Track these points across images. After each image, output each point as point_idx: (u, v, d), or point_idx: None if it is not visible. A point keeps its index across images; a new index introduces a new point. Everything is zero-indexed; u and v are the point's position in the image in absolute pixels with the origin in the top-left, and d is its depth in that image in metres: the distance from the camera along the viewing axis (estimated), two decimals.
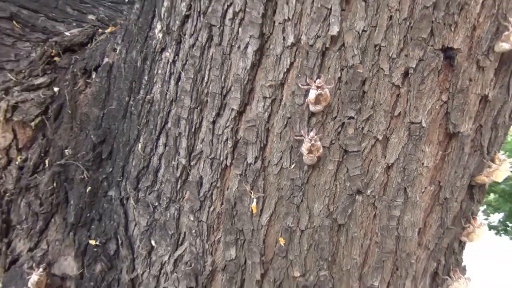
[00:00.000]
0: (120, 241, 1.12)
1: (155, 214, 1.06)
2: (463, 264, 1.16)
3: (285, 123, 0.90)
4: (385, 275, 1.01)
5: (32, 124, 1.17)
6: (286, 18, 0.85)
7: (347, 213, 0.95)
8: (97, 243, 1.14)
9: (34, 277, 1.09)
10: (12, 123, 1.20)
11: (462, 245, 1.13)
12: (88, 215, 1.16)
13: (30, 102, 1.18)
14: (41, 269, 1.10)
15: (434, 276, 1.11)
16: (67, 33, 1.23)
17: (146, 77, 1.04)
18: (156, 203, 1.05)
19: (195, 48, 0.94)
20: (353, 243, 0.98)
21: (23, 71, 1.20)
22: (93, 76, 1.16)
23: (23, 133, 1.20)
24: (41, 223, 1.18)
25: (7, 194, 1.21)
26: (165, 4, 0.99)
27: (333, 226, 0.96)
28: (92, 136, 1.14)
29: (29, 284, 1.11)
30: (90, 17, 1.34)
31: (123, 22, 1.26)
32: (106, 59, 1.16)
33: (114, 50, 1.16)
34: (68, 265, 1.17)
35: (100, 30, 1.25)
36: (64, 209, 1.18)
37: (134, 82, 1.08)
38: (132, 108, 1.07)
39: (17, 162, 1.20)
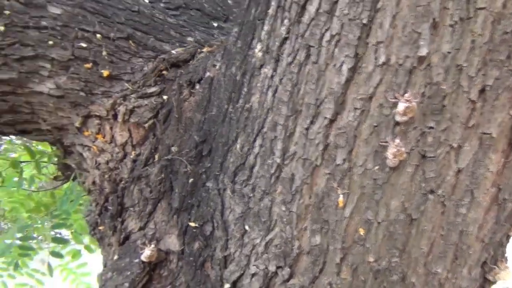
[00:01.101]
0: (215, 224, 1.08)
1: (249, 203, 1.01)
2: (505, 255, 1.08)
3: (371, 131, 0.84)
4: (447, 263, 0.95)
5: (146, 125, 1.14)
6: (379, 40, 0.79)
7: (420, 209, 0.89)
8: (196, 225, 1.11)
9: (147, 252, 1.06)
10: (128, 124, 1.17)
11: (508, 239, 1.05)
12: (189, 201, 1.13)
13: (144, 107, 1.15)
14: (153, 245, 1.07)
15: (483, 265, 1.03)
16: (173, 52, 1.20)
17: (245, 89, 1.00)
18: (251, 194, 1.01)
19: (293, 65, 0.89)
20: (422, 235, 0.91)
21: (137, 81, 1.17)
22: (197, 87, 1.13)
23: (136, 133, 1.18)
24: (150, 206, 1.16)
25: (122, 182, 1.19)
26: (266, 28, 0.94)
27: (406, 220, 0.90)
28: (195, 137, 1.11)
29: (142, 257, 1.08)
30: (189, 39, 1.31)
31: (219, 43, 1.23)
32: (208, 73, 1.12)
33: (214, 66, 1.12)
34: (172, 242, 1.14)
35: (199, 50, 1.22)
36: (169, 196, 1.15)
37: (233, 93, 1.04)
38: (232, 115, 1.03)
39: (131, 156, 1.17)
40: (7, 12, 1.07)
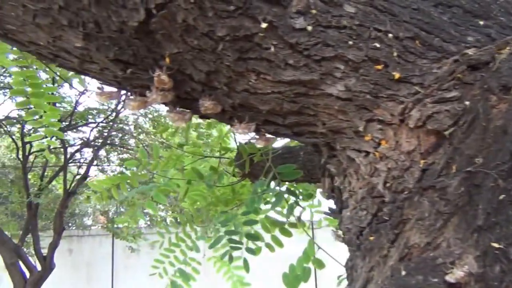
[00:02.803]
0: None
1: None
2: None
3: None
4: None
5: (446, 133, 1.05)
6: None
7: None
8: (500, 246, 0.99)
9: (459, 273, 0.97)
10: (418, 131, 1.09)
11: None
12: (493, 220, 1.01)
13: (444, 113, 1.06)
14: (466, 267, 0.97)
15: None
16: (469, 52, 1.09)
17: None
18: None
19: None
20: None
21: (430, 85, 1.08)
22: None
23: (426, 140, 1.09)
24: (442, 221, 1.06)
25: (405, 192, 1.11)
26: None
27: None
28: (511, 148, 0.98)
29: (450, 278, 0.99)
30: (469, 38, 1.19)
31: None
32: None
33: None
34: (469, 263, 1.03)
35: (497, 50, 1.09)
36: (465, 211, 1.05)
37: None
38: None
39: (420, 165, 1.09)
40: (313, 11, 1.03)
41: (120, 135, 10.55)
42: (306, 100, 1.11)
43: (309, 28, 1.03)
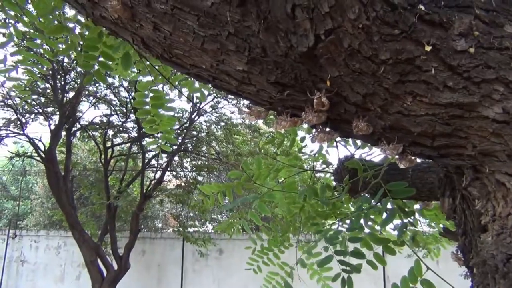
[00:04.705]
0: None
1: None
2: None
3: None
4: None
5: None
6: None
7: None
8: None
9: None
10: None
11: None
12: None
13: None
14: None
15: None
16: None
17: None
18: None
19: None
20: None
21: None
22: None
23: None
24: None
25: None
26: None
27: None
28: None
29: None
30: None
31: None
32: None
33: None
34: None
35: None
36: None
37: None
38: None
39: None
40: (475, 33, 1.02)
41: (194, 142, 10.94)
42: (460, 122, 1.09)
43: (471, 50, 1.02)
